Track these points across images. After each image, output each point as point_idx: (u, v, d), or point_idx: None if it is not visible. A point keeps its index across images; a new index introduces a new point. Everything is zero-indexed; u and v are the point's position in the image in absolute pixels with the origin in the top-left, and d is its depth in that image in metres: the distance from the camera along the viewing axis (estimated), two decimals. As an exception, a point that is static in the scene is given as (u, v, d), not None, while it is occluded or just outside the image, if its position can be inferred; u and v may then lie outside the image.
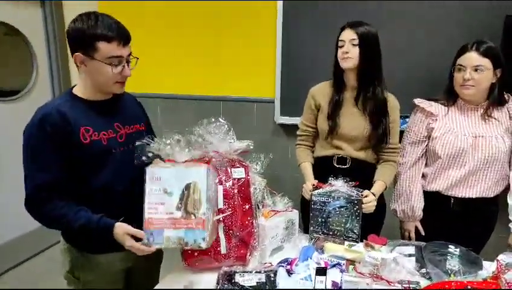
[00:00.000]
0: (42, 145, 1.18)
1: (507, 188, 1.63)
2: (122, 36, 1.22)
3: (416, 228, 1.73)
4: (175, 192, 1.14)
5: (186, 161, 1.25)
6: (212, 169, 1.25)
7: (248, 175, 1.38)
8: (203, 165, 1.18)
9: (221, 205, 1.30)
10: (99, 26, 1.18)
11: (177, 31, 2.92)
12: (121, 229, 1.20)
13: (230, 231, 1.31)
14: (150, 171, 1.16)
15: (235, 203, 1.33)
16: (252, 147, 1.41)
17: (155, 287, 1.31)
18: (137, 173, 1.26)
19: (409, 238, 1.74)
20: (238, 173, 1.36)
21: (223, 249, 1.31)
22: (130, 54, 1.27)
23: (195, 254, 1.28)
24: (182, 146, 1.26)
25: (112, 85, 1.27)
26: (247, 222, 1.35)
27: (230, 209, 1.31)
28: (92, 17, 1.20)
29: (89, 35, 1.18)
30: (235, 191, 1.33)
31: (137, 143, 1.26)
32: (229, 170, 1.35)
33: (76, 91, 1.29)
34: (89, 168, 1.26)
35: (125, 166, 1.31)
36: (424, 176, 1.70)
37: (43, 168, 1.19)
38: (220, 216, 1.28)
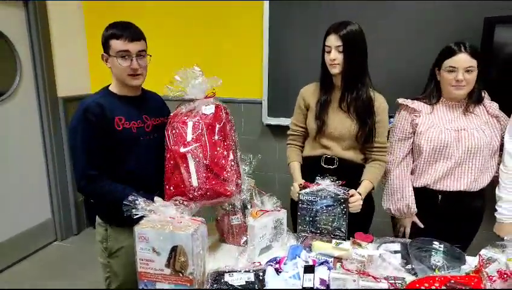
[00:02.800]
0: (88, 132, 1.42)
1: (490, 183, 1.68)
2: (129, 33, 1.45)
3: (412, 222, 1.75)
4: (163, 253, 1.17)
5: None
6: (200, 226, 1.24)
7: (220, 112, 1.44)
8: (189, 229, 1.17)
9: (189, 139, 1.36)
10: (112, 27, 1.45)
11: (163, 32, 2.91)
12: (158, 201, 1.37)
13: (197, 160, 1.34)
14: (137, 231, 1.18)
15: (202, 136, 1.38)
16: (220, 83, 1.47)
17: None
18: (161, 160, 1.46)
19: (404, 235, 1.76)
20: (208, 109, 1.42)
21: (194, 182, 1.35)
22: (141, 50, 1.48)
23: (172, 190, 1.40)
24: None
25: (126, 77, 1.48)
26: (216, 153, 1.38)
27: (196, 142, 1.37)
28: (114, 23, 1.47)
29: (106, 36, 1.46)
30: (202, 124, 1.39)
31: None
32: (200, 108, 1.44)
33: (111, 88, 1.55)
34: (119, 153, 1.47)
35: (150, 153, 1.52)
36: (412, 172, 1.74)
37: (90, 151, 1.42)
38: (187, 149, 1.35)
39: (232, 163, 1.42)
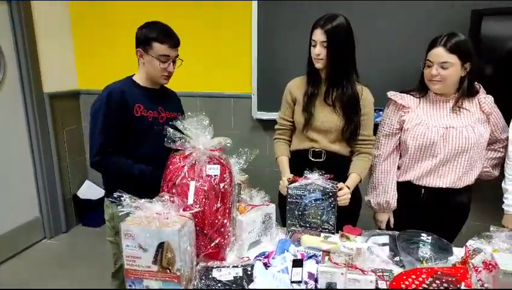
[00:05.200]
0: (108, 114, 1.58)
1: (478, 179, 1.69)
2: (172, 41, 1.62)
3: (399, 215, 1.76)
4: (149, 249, 1.15)
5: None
6: (188, 222, 1.21)
7: (224, 173, 1.34)
8: (176, 225, 1.15)
9: (190, 201, 1.29)
10: (157, 30, 1.60)
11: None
12: None
13: (197, 228, 1.28)
14: (124, 227, 1.15)
15: (205, 201, 1.30)
16: (229, 145, 1.39)
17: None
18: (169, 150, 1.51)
19: (379, 228, 1.77)
20: (213, 169, 1.33)
21: None
22: (177, 56, 1.67)
23: None
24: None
25: (159, 77, 1.67)
26: (216, 221, 1.32)
27: (198, 206, 1.29)
28: (155, 24, 1.63)
29: (149, 37, 1.59)
30: (206, 188, 1.30)
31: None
32: (205, 166, 1.33)
33: (135, 78, 1.71)
34: (135, 138, 1.64)
35: (161, 142, 1.48)
36: (398, 167, 1.74)
37: (108, 131, 1.58)
38: (189, 212, 1.26)
39: (230, 229, 1.37)
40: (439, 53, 1.52)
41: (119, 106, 1.59)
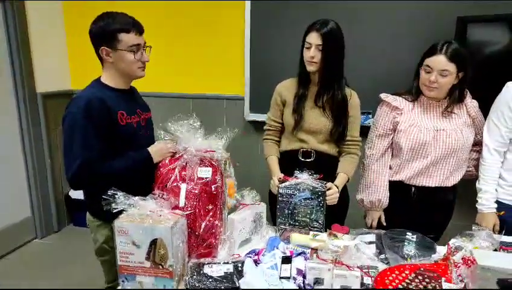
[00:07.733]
0: (88, 127, 1.35)
1: (462, 179, 1.75)
2: (137, 27, 1.46)
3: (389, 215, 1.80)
4: (143, 245, 1.17)
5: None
6: (180, 219, 1.24)
7: (216, 175, 1.36)
8: (169, 222, 1.18)
9: (182, 204, 1.31)
10: (118, 20, 1.41)
11: (146, 30, 2.89)
12: (154, 146, 1.45)
13: (189, 230, 1.31)
14: (117, 225, 1.18)
15: (196, 203, 1.32)
16: (220, 150, 1.40)
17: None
18: None
19: (371, 226, 1.82)
20: (205, 172, 1.34)
21: None
22: (145, 43, 1.50)
23: None
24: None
25: (136, 70, 1.48)
26: (208, 223, 1.34)
27: (190, 209, 1.31)
28: (110, 15, 1.44)
29: (111, 30, 1.40)
30: (197, 191, 1.32)
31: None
32: (196, 169, 1.34)
33: (104, 81, 1.50)
34: (121, 147, 1.44)
35: (146, 147, 1.47)
36: (390, 167, 1.78)
37: (89, 147, 1.35)
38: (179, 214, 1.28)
39: (221, 229, 1.39)
40: (441, 61, 1.56)
41: (102, 116, 1.38)
